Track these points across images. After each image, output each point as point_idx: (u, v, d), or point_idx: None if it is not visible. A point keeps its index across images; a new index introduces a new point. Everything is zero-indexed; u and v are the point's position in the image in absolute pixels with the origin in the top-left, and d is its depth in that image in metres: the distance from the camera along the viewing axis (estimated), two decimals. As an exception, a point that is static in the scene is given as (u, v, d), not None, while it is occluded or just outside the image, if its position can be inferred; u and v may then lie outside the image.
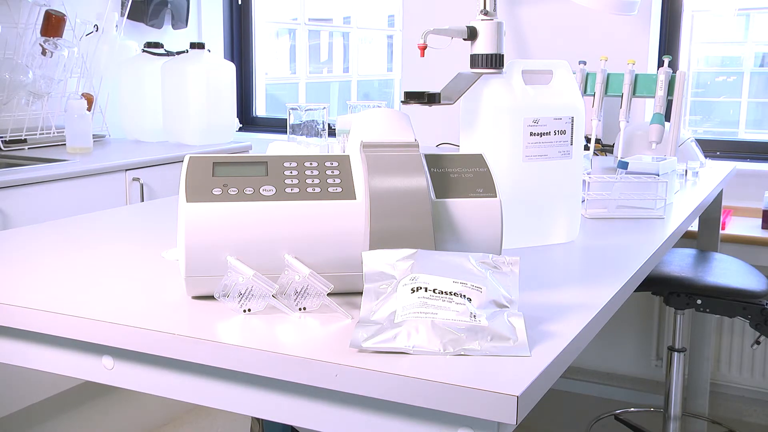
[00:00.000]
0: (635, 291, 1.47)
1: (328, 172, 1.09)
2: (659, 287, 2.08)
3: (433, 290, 0.94)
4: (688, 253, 2.35)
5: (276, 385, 0.92)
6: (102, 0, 3.19)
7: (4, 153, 2.74)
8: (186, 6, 3.57)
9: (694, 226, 2.57)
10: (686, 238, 2.60)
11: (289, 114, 1.85)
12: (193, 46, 3.09)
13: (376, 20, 5.23)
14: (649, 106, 2.86)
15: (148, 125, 3.17)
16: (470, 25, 1.37)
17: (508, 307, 0.98)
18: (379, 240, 1.03)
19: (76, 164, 2.52)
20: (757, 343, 2.16)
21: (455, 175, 1.12)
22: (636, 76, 2.32)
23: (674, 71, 2.27)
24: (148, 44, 3.22)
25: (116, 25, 3.19)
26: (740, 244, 2.53)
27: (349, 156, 1.12)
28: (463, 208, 1.08)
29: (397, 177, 1.06)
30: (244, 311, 1.02)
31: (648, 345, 2.87)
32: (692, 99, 3.32)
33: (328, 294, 1.02)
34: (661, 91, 2.26)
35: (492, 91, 1.36)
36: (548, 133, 1.39)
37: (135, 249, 1.35)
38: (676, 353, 2.21)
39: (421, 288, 0.95)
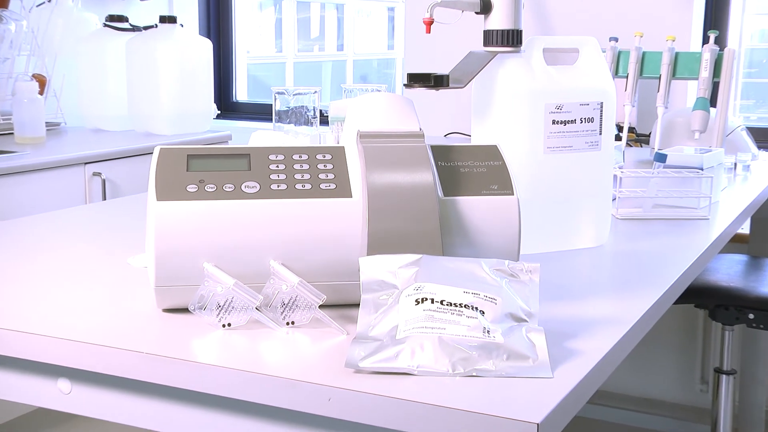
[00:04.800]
0: (675, 303, 1.47)
1: (320, 166, 1.10)
2: (704, 299, 2.09)
3: (441, 302, 0.95)
4: (737, 260, 2.36)
5: (260, 411, 0.93)
6: (57, -34, 3.19)
7: (-56, 144, 2.75)
8: (154, -27, 3.58)
9: (745, 229, 2.57)
10: (735, 243, 2.60)
11: (275, 99, 1.86)
12: (162, 20, 3.10)
13: (375, -10, 5.24)
14: (692, 90, 2.86)
15: (111, 112, 3.18)
16: (484, -5, 1.38)
17: (527, 321, 0.99)
18: (379, 244, 1.04)
19: (26, 156, 2.53)
20: (818, 364, 2.16)
21: (466, 169, 1.13)
22: (676, 54, 2.33)
23: (722, 48, 2.28)
24: (111, 17, 3.22)
25: (73, -5, 3.20)
26: (798, 250, 2.53)
27: (344, 147, 1.13)
28: (474, 207, 1.09)
29: (400, 172, 1.07)
30: (224, 326, 1.03)
31: (691, 366, 2.87)
32: (743, 80, 3.32)
33: (320, 306, 1.03)
34: (705, 72, 2.26)
35: (508, 72, 1.37)
36: (573, 121, 1.40)
37: (96, 254, 1.36)
38: (724, 376, 2.22)
39: (426, 299, 0.95)
